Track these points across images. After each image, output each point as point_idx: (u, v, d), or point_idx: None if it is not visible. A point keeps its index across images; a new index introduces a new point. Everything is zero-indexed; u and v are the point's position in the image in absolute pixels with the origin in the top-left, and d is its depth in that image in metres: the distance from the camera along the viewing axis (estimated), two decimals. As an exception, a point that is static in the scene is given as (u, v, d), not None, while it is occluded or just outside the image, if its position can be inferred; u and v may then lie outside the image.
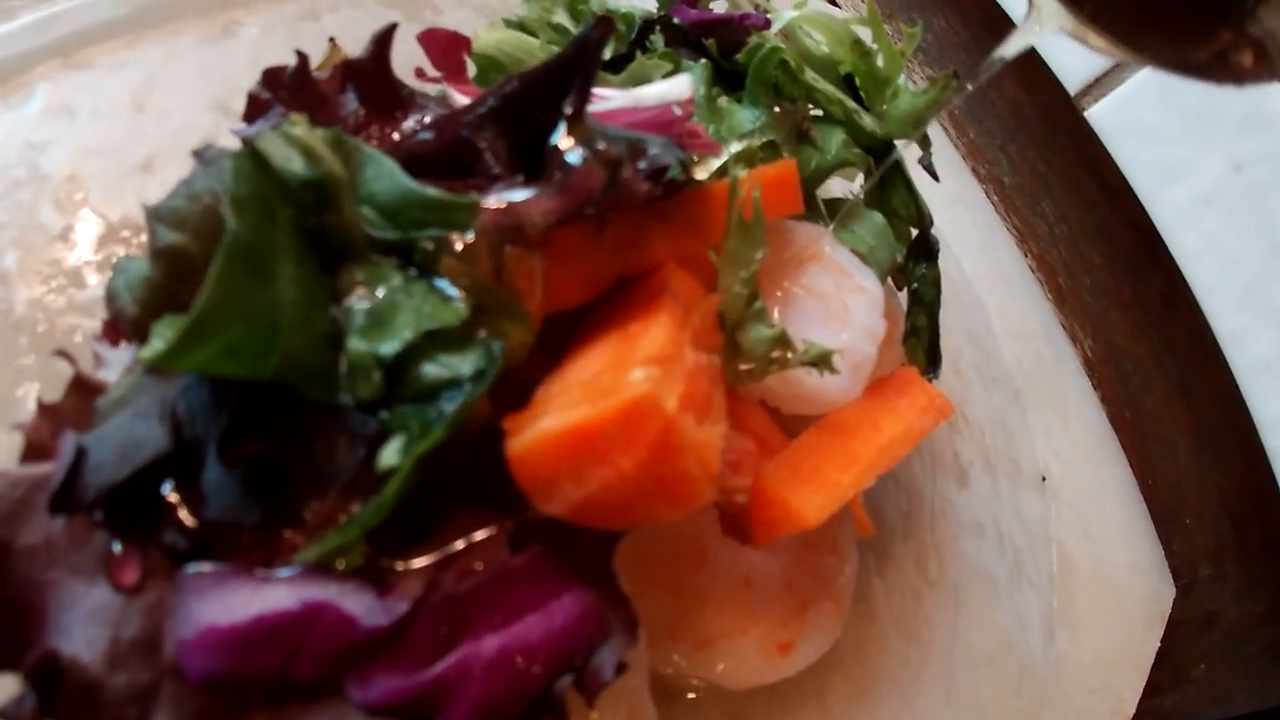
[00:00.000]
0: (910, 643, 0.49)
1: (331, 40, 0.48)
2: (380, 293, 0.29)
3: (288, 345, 0.27)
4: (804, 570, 0.41)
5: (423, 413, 0.27)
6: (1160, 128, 0.69)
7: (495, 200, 0.30)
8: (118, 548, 0.29)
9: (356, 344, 0.28)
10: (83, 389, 0.33)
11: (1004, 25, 0.73)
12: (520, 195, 0.30)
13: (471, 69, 0.47)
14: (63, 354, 0.32)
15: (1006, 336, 0.67)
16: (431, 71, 0.43)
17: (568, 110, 0.31)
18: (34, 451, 0.31)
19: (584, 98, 0.31)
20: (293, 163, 0.29)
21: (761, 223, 0.38)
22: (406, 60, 0.44)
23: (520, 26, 0.48)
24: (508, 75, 0.33)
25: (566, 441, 0.26)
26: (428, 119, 0.37)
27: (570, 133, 0.31)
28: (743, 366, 0.38)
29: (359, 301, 0.29)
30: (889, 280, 0.51)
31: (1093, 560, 0.64)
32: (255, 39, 0.47)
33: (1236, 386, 0.68)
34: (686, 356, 0.30)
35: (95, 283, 0.40)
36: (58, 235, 0.41)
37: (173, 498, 0.30)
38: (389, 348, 0.28)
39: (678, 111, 0.35)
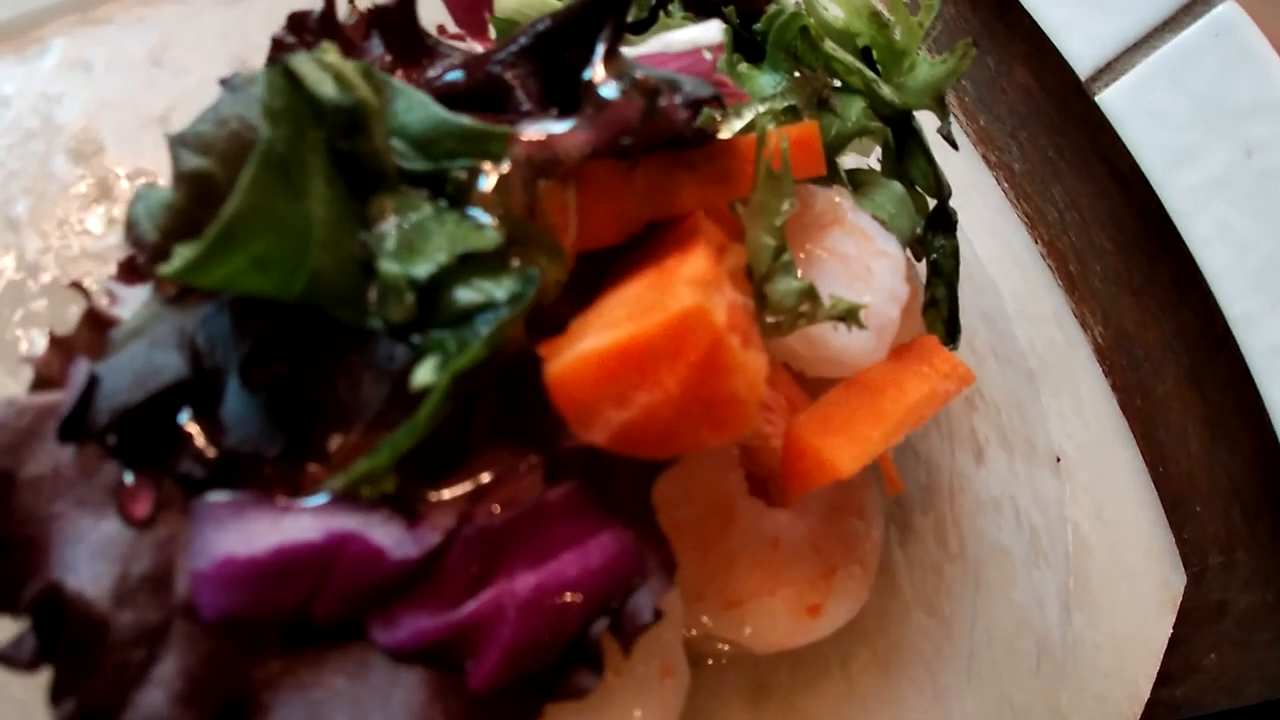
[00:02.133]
0: (932, 616, 0.48)
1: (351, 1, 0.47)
2: (412, 220, 0.29)
3: (317, 263, 0.26)
4: (831, 533, 0.41)
5: (459, 334, 0.27)
6: (1171, 112, 0.69)
7: (530, 132, 0.29)
8: (129, 478, 0.28)
9: (389, 265, 0.27)
10: (96, 322, 0.31)
11: (1016, 13, 0.73)
12: (556, 128, 0.30)
13: (492, 32, 0.47)
14: (76, 286, 0.31)
15: (1019, 319, 0.66)
16: (454, 29, 0.43)
17: (603, 45, 0.30)
18: (43, 384, 0.30)
19: (619, 32, 0.30)
20: (325, 85, 0.28)
21: (789, 174, 0.37)
22: (429, 20, 0.43)
23: (541, -11, 0.47)
24: (539, 16, 0.33)
25: (610, 361, 0.25)
26: (456, 62, 0.37)
27: (606, 67, 0.30)
28: (770, 319, 0.37)
29: (390, 227, 0.28)
30: (907, 251, 0.51)
31: (1107, 544, 0.63)
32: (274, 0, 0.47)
33: (1248, 373, 0.68)
34: (725, 288, 0.29)
35: (107, 232, 0.39)
36: (70, 185, 0.40)
37: (190, 427, 0.29)
38: (423, 270, 0.27)
39: (708, 57, 0.34)
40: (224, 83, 0.30)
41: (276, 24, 0.47)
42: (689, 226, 0.32)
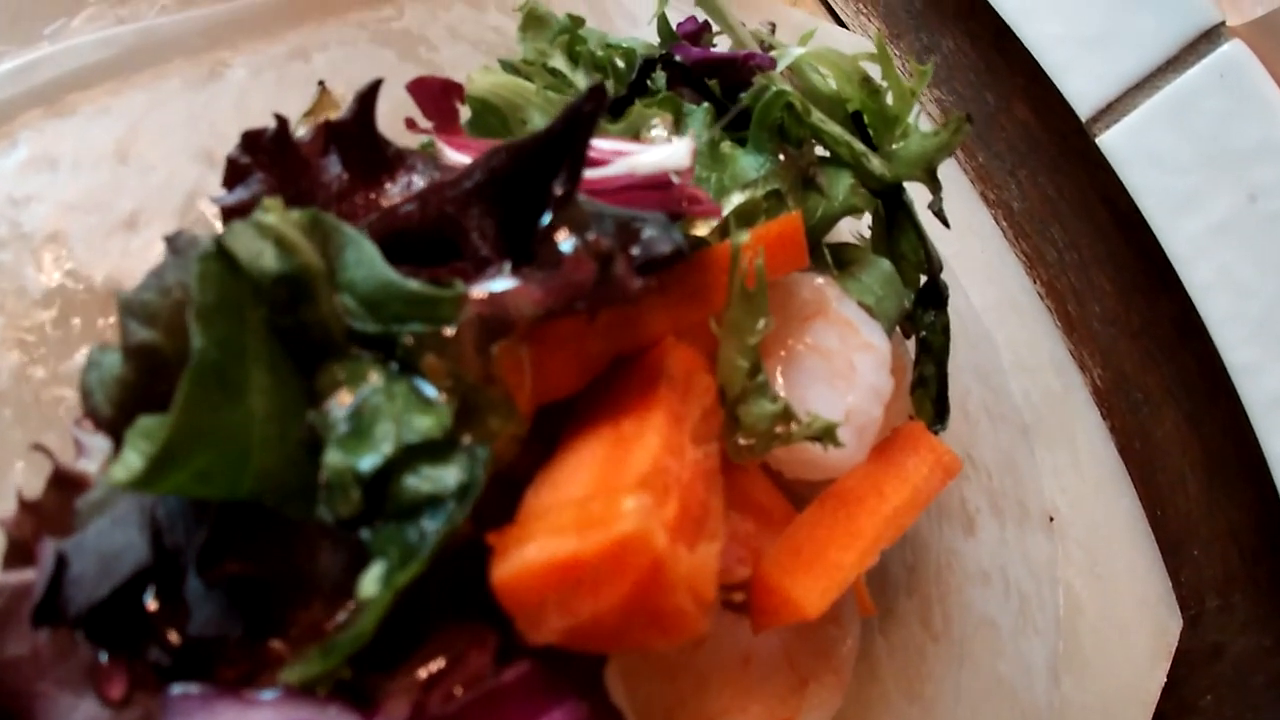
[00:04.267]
0: (913, 701, 0.46)
1: (321, 84, 0.45)
2: (360, 394, 0.27)
3: (261, 464, 0.25)
4: (805, 643, 0.39)
5: (403, 534, 0.25)
6: (1173, 156, 0.65)
7: (482, 290, 0.27)
8: (104, 658, 0.28)
9: (334, 458, 0.25)
10: (63, 483, 0.31)
11: (1015, 48, 0.69)
12: (507, 284, 0.27)
13: (466, 112, 0.44)
14: (40, 448, 0.30)
15: (1015, 370, 0.64)
16: (423, 121, 0.40)
17: (557, 191, 0.28)
18: (16, 551, 0.30)
19: (575, 178, 0.28)
20: (264, 258, 0.26)
21: (765, 291, 0.35)
22: (398, 106, 0.41)
23: (515, 70, 0.45)
24: (495, 146, 0.30)
25: (552, 573, 0.24)
26: (417, 181, 0.34)
27: (559, 217, 0.28)
28: (743, 442, 0.35)
29: (338, 406, 0.26)
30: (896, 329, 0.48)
31: (1100, 599, 0.61)
32: (243, 82, 0.45)
33: (1248, 420, 0.65)
34: (684, 457, 0.27)
35: (79, 353, 0.38)
36: (39, 300, 0.38)
37: (155, 608, 0.28)
38: (368, 463, 0.25)
39: (676, 180, 0.32)
40: (169, 242, 0.28)
41: (244, 107, 0.45)
42: (652, 370, 0.30)
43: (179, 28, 0.46)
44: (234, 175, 0.34)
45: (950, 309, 0.50)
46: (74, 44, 0.45)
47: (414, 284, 0.27)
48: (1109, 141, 0.66)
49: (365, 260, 0.28)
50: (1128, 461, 0.70)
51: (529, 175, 0.29)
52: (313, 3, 0.47)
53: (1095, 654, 0.59)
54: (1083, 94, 0.67)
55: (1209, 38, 0.65)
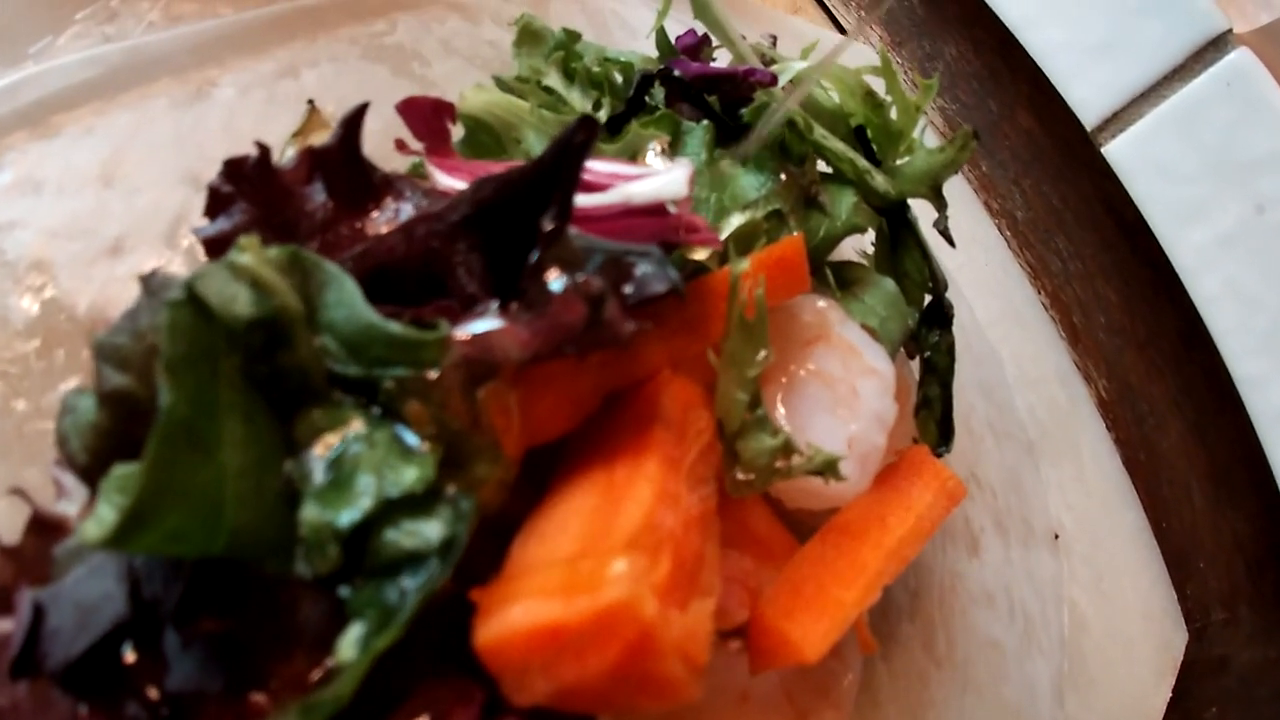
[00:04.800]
0: (917, 730, 0.45)
1: (310, 103, 0.43)
2: (341, 441, 0.25)
3: (236, 520, 0.23)
4: (804, 679, 0.37)
5: (382, 594, 0.23)
6: (1180, 165, 0.63)
7: (467, 332, 0.26)
8: (84, 710, 0.27)
9: (312, 513, 0.24)
10: (42, 528, 0.29)
11: (1018, 55, 0.68)
12: (494, 325, 0.26)
13: (459, 131, 0.43)
14: (18, 492, 0.29)
15: (1020, 385, 0.62)
16: (414, 142, 0.39)
17: (547, 227, 0.26)
18: None
19: (564, 214, 0.26)
20: (238, 302, 0.24)
21: (765, 322, 0.34)
22: (390, 125, 0.39)
23: (509, 87, 0.43)
24: (482, 177, 0.29)
25: (537, 638, 0.22)
26: (404, 209, 0.33)
27: (549, 254, 0.26)
28: (742, 477, 0.33)
29: (317, 455, 0.25)
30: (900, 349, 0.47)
31: (1105, 615, 0.59)
32: (231, 101, 0.43)
33: (1254, 431, 0.64)
34: (679, 504, 0.26)
35: (63, 385, 0.36)
36: (22, 331, 0.37)
37: (134, 660, 0.27)
38: (347, 518, 0.24)
39: (673, 210, 0.30)
40: (143, 282, 0.26)
41: (231, 127, 0.43)
42: (647, 409, 0.28)
43: (166, 45, 0.44)
44: (216, 204, 0.32)
45: (954, 324, 0.49)
46: (59, 64, 0.43)
47: (396, 326, 0.25)
48: (1114, 151, 0.65)
49: (346, 300, 0.26)
50: (1133, 474, 0.68)
51: (517, 208, 0.28)
52: (303, 18, 0.46)
53: (1100, 671, 0.57)
54: (1088, 102, 0.65)
55: (1215, 46, 0.63)
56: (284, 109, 0.43)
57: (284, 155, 0.42)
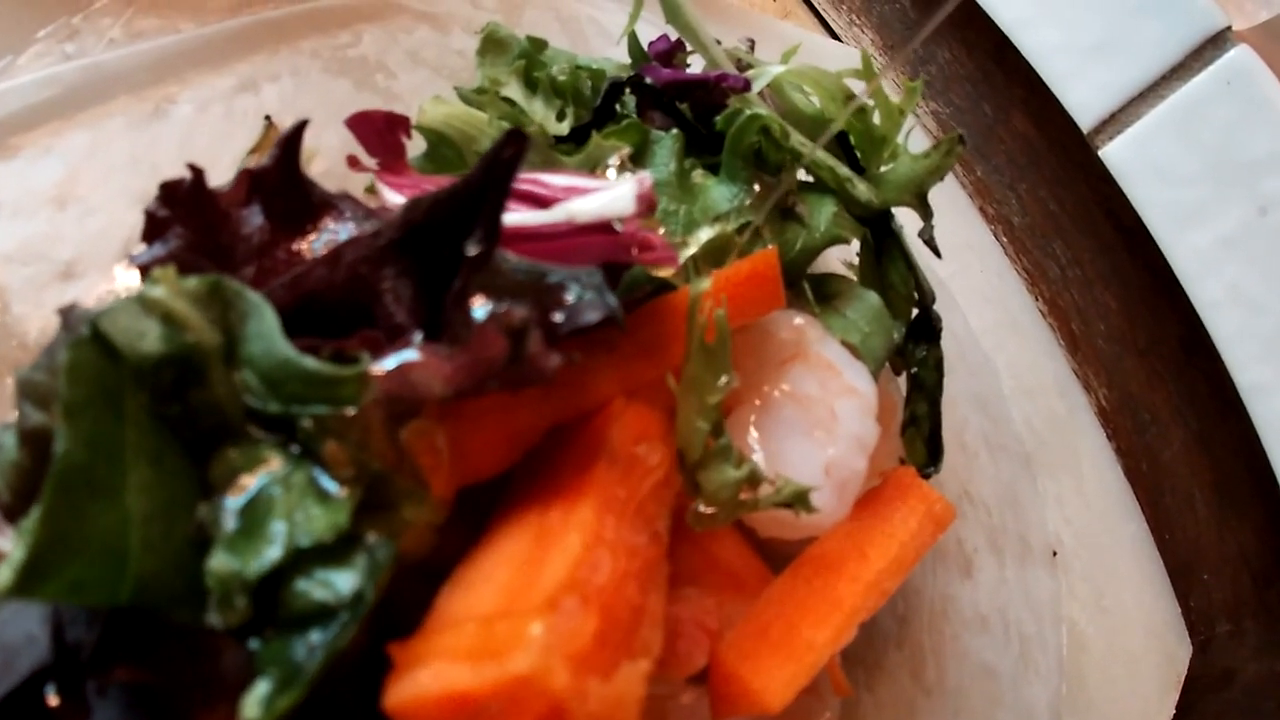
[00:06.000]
0: (905, 763, 0.42)
1: (268, 119, 0.41)
2: (256, 483, 0.23)
3: (142, 569, 0.21)
4: (779, 714, 0.34)
5: (290, 649, 0.21)
6: (1179, 167, 0.60)
7: (388, 366, 0.23)
8: None
9: (219, 562, 0.21)
10: None
11: (1013, 57, 0.64)
12: (414, 358, 0.23)
13: (413, 150, 0.40)
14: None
15: (1017, 395, 0.59)
16: (367, 160, 0.36)
17: (470, 251, 0.24)
18: None
19: (490, 237, 0.24)
20: (146, 339, 0.22)
21: (727, 345, 0.31)
22: (349, 142, 0.37)
23: (469, 99, 0.40)
24: (413, 198, 0.26)
25: (445, 706, 0.20)
26: (344, 231, 0.30)
27: (473, 281, 0.23)
28: (704, 510, 0.31)
29: (230, 499, 0.22)
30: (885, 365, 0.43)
31: (1106, 634, 0.56)
32: (188, 118, 0.41)
33: (1258, 440, 0.60)
34: (616, 550, 0.23)
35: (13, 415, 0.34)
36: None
37: (56, 705, 0.24)
38: (255, 567, 0.21)
39: (619, 228, 0.28)
40: (62, 316, 0.24)
41: (188, 146, 0.41)
42: (593, 443, 0.26)
43: (125, 63, 0.42)
44: (152, 229, 0.30)
45: (947, 333, 0.46)
46: (17, 83, 0.41)
47: (311, 361, 0.23)
48: (1112, 153, 0.61)
49: (265, 333, 0.24)
50: (1134, 484, 0.65)
51: (445, 231, 0.25)
52: (266, 31, 0.43)
53: (1100, 691, 0.54)
54: (1084, 104, 0.62)
55: (1214, 44, 0.59)
56: (241, 126, 0.41)
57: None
